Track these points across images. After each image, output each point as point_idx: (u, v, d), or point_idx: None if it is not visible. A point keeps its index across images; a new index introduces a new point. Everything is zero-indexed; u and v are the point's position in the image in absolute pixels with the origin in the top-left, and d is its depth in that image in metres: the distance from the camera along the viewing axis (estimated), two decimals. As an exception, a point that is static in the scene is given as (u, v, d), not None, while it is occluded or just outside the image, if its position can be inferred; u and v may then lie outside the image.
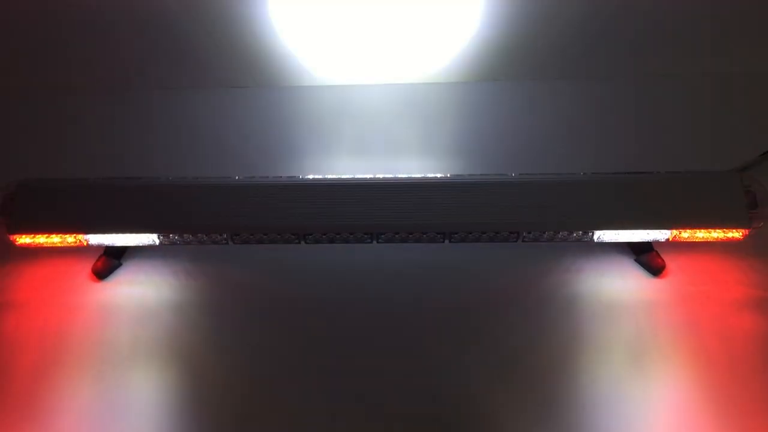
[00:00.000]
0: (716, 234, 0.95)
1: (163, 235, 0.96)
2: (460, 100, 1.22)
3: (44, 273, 1.02)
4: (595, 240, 0.97)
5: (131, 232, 0.95)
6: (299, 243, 0.97)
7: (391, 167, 1.11)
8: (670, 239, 0.96)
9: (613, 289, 0.99)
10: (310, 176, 0.97)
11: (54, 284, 1.01)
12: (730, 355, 0.91)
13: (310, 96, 1.23)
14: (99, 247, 1.00)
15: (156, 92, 1.24)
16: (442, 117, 1.20)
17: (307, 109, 1.21)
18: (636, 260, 1.01)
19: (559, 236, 0.96)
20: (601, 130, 1.16)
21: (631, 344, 0.93)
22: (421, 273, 1.01)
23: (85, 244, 0.97)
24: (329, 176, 0.96)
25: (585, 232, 0.95)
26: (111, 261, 1.01)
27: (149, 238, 0.96)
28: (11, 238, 0.95)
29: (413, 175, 0.96)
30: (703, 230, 0.94)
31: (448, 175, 0.97)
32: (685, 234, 0.95)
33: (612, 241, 0.97)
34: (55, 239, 0.96)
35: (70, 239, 0.96)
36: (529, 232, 0.95)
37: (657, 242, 0.99)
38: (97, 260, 1.01)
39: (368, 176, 0.96)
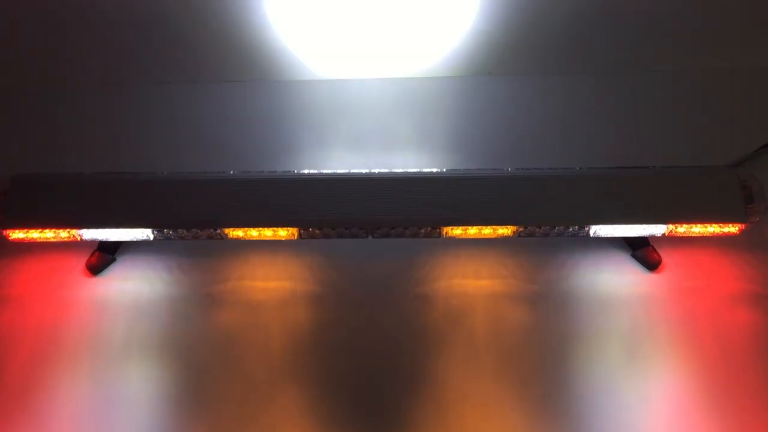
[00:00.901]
0: (712, 229, 0.95)
1: (157, 231, 0.95)
2: (456, 94, 1.22)
3: (38, 268, 1.01)
4: (592, 235, 0.96)
5: (125, 227, 0.94)
6: (295, 238, 0.97)
7: (386, 162, 1.11)
8: (666, 234, 0.96)
9: (610, 284, 1.00)
10: (306, 171, 0.97)
11: (48, 279, 1.00)
12: (725, 350, 0.91)
13: (305, 90, 1.22)
14: (93, 242, 1.00)
15: (150, 87, 1.23)
16: (438, 111, 1.20)
17: (303, 104, 1.21)
18: (632, 255, 1.01)
19: (555, 231, 0.96)
20: (597, 124, 1.16)
21: (627, 339, 0.93)
22: (417, 268, 1.00)
23: (78, 239, 0.96)
24: (324, 171, 0.96)
25: (581, 227, 0.95)
26: (105, 256, 1.01)
27: (143, 233, 0.96)
28: (4, 233, 0.95)
29: (409, 170, 0.96)
30: (699, 225, 0.94)
31: (444, 170, 0.97)
32: (681, 229, 0.95)
33: (608, 236, 0.97)
34: (48, 234, 0.95)
35: (63, 234, 0.95)
36: (525, 227, 0.95)
37: (653, 237, 0.99)
38: (91, 255, 1.01)
39: (364, 171, 0.96)
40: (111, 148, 1.15)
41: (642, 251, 1.00)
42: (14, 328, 0.96)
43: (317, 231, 0.95)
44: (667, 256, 1.00)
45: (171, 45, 1.16)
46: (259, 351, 0.93)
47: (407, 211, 0.93)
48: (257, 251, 1.03)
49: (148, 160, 1.11)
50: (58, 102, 1.21)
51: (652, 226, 0.95)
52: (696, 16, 1.13)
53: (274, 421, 0.87)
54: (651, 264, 0.99)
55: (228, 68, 1.22)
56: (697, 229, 0.95)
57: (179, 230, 0.95)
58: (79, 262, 1.01)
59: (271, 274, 1.01)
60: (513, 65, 1.22)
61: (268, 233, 0.95)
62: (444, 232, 0.95)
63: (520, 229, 0.94)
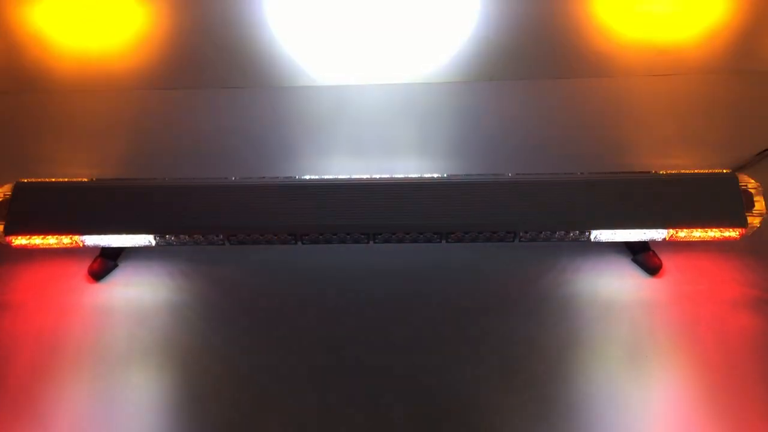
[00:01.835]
0: (713, 233, 0.95)
1: (159, 236, 0.96)
2: (457, 100, 1.22)
3: (40, 274, 1.02)
4: (592, 239, 0.97)
5: (127, 233, 0.95)
6: (296, 243, 0.97)
7: (387, 167, 1.11)
8: (667, 239, 0.96)
9: (610, 289, 0.99)
10: (307, 177, 0.97)
11: (50, 286, 1.01)
12: (726, 355, 0.91)
13: (306, 96, 1.22)
14: (95, 248, 1.00)
15: (151, 93, 1.23)
16: (439, 117, 1.20)
17: (304, 110, 1.21)
18: (633, 260, 1.01)
19: (556, 236, 0.96)
20: (597, 129, 1.16)
21: (628, 343, 0.93)
22: (417, 273, 1.00)
23: (81, 245, 0.97)
24: (325, 177, 0.96)
25: (582, 232, 0.95)
26: (107, 262, 1.01)
27: (145, 239, 0.96)
28: (7, 240, 0.95)
29: (409, 175, 0.96)
30: (699, 230, 0.94)
31: (445, 175, 0.97)
32: (682, 233, 0.95)
33: (609, 240, 0.97)
34: (51, 240, 0.96)
35: (66, 240, 0.96)
36: (526, 232, 0.95)
37: (654, 242, 0.99)
38: (93, 261, 1.01)
39: (364, 176, 0.96)
40: (113, 154, 1.15)
41: (643, 256, 1.00)
42: (16, 334, 0.96)
43: (320, 236, 0.95)
44: (667, 261, 1.00)
45: (172, 51, 1.17)
46: (263, 357, 0.93)
47: (408, 217, 0.93)
48: (258, 252, 1.03)
49: (150, 166, 1.12)
50: (58, 108, 1.21)
51: (652, 231, 0.95)
52: (696, 19, 1.13)
53: (275, 429, 0.87)
54: (652, 268, 0.99)
55: (229, 74, 1.23)
56: (698, 234, 0.95)
57: (181, 236, 0.95)
58: (81, 268, 1.01)
59: (273, 280, 1.01)
60: (513, 70, 1.22)
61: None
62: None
63: (521, 234, 0.94)
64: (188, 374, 0.92)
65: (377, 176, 0.96)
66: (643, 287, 0.99)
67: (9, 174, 0.98)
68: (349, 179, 0.96)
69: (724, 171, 0.98)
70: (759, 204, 0.94)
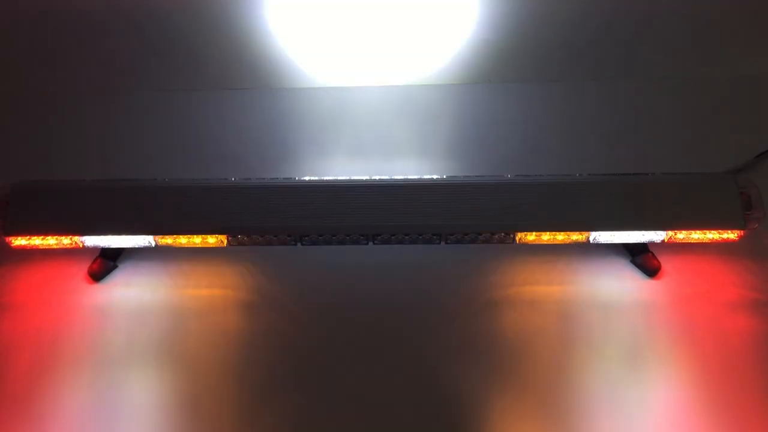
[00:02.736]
0: (711, 235, 0.95)
1: (159, 237, 0.96)
2: (456, 101, 1.22)
3: (40, 275, 1.02)
4: (591, 241, 0.97)
5: (127, 234, 0.95)
6: (296, 245, 0.97)
7: (387, 169, 1.12)
8: (666, 240, 0.96)
9: (609, 291, 1.00)
10: (307, 178, 0.97)
11: (50, 286, 1.01)
12: (725, 357, 0.91)
13: (306, 98, 1.23)
14: (95, 249, 1.00)
15: (152, 94, 1.24)
16: (439, 119, 1.20)
17: (304, 111, 1.21)
18: (631, 261, 1.01)
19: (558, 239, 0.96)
20: (596, 131, 1.16)
21: (626, 345, 0.93)
22: (417, 274, 1.01)
23: (80, 246, 0.97)
24: (326, 178, 0.96)
25: (580, 233, 0.95)
26: (107, 263, 1.01)
27: (145, 240, 0.96)
28: (7, 240, 0.95)
29: (409, 177, 0.96)
30: (698, 232, 0.95)
31: (444, 177, 0.97)
32: (681, 235, 0.95)
33: (607, 242, 0.97)
34: (50, 241, 0.96)
35: (65, 241, 0.96)
36: (525, 233, 0.95)
37: (652, 243, 0.99)
38: (93, 262, 1.01)
39: (364, 178, 0.96)
40: (113, 154, 1.16)
41: (641, 257, 1.00)
42: (16, 334, 0.96)
43: (319, 237, 0.95)
44: (666, 263, 1.00)
45: (173, 53, 1.17)
46: (263, 357, 0.93)
47: (407, 218, 0.93)
48: (257, 254, 1.03)
49: (151, 167, 1.12)
50: (59, 109, 1.21)
51: (651, 233, 0.95)
52: (696, 22, 1.14)
53: (276, 429, 0.87)
54: (650, 270, 1.00)
55: (230, 75, 1.23)
56: (697, 236, 0.95)
57: (180, 237, 0.95)
58: (81, 269, 1.01)
59: (269, 282, 1.01)
60: (512, 72, 1.23)
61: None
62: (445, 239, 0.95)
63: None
64: (188, 375, 0.92)
65: (377, 177, 0.96)
66: (642, 289, 0.99)
67: (9, 174, 0.98)
68: (349, 180, 0.96)
69: (723, 173, 0.98)
70: (757, 206, 0.94)
